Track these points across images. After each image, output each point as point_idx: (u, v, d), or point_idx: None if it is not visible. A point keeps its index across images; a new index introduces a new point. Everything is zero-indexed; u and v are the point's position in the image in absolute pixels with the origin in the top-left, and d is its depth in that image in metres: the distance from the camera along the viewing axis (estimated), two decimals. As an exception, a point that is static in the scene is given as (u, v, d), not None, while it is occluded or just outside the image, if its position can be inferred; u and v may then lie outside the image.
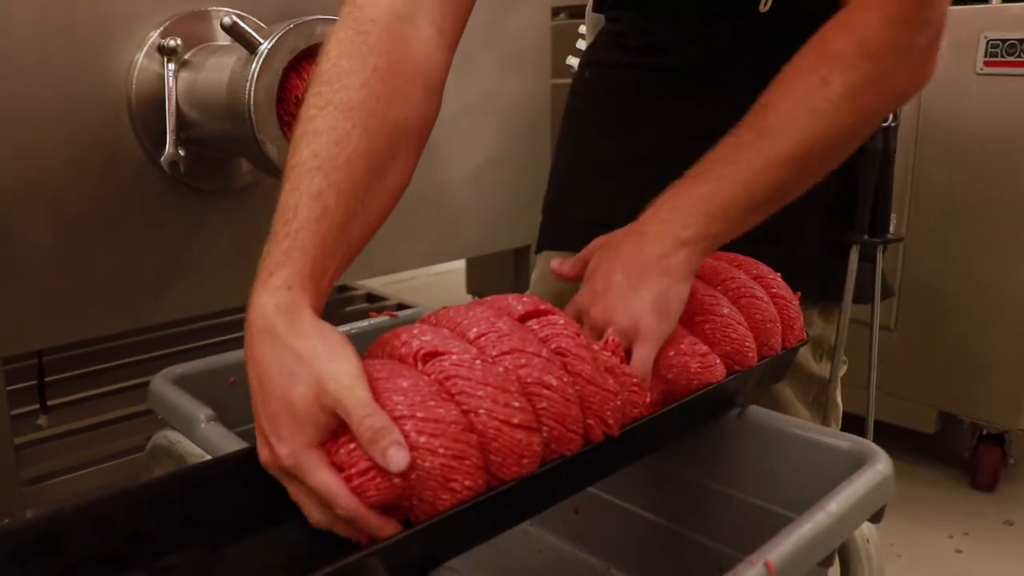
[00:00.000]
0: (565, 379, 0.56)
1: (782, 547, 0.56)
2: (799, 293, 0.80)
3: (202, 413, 0.71)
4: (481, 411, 0.52)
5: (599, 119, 1.07)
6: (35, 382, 1.48)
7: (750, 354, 0.71)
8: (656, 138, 1.01)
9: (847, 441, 0.69)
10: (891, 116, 0.94)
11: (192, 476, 0.58)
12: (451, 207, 1.61)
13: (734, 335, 0.70)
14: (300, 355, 0.53)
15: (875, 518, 0.65)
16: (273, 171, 1.11)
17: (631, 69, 1.04)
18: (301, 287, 0.56)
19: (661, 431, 0.67)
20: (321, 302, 0.58)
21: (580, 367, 0.57)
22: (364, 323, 0.95)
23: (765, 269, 0.78)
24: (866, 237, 0.97)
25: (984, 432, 2.02)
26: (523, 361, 0.55)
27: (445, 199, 1.59)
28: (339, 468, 0.51)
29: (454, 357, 0.53)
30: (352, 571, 0.50)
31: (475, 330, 0.57)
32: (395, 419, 0.50)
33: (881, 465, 0.65)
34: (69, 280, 1.20)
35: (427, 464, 0.50)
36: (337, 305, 2.15)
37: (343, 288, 2.22)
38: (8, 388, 1.22)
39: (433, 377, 0.53)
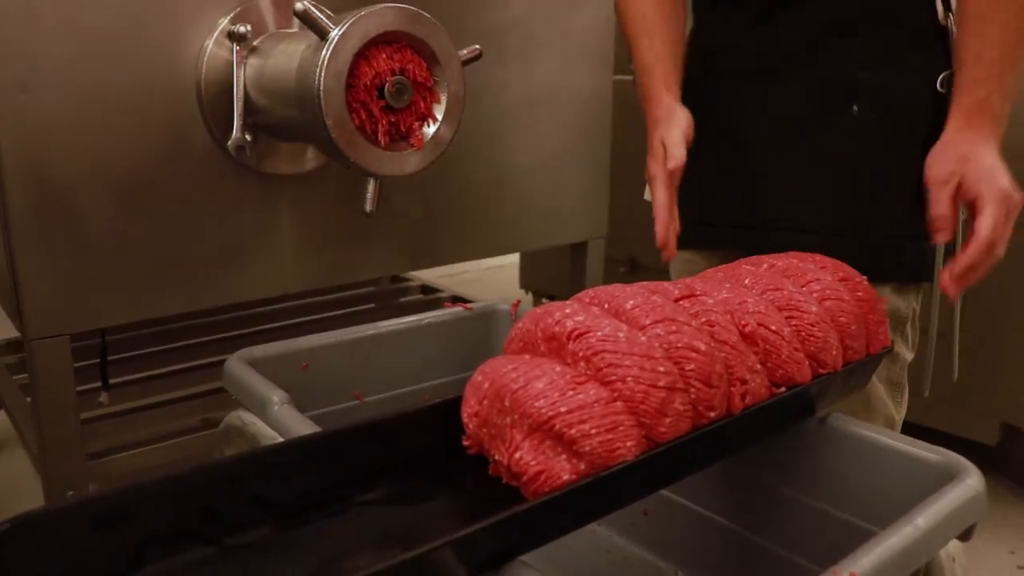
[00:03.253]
0: (712, 344, 0.62)
1: (867, 559, 0.54)
2: (884, 299, 0.78)
3: (275, 395, 0.71)
4: (628, 379, 0.57)
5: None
6: (97, 360, 1.50)
7: (834, 355, 0.69)
8: (739, 137, 1.02)
9: (936, 454, 0.66)
10: None
11: (265, 457, 0.58)
12: (510, 200, 1.59)
13: (819, 334, 0.68)
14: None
15: (964, 536, 0.62)
16: (339, 157, 1.10)
17: (707, 76, 1.05)
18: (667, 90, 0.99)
19: (737, 432, 0.65)
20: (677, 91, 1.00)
21: (726, 336, 0.63)
22: (440, 312, 0.94)
23: (851, 271, 0.76)
24: None
25: (1049, 446, 1.96)
26: (674, 328, 0.61)
27: (504, 192, 1.58)
28: (517, 475, 0.57)
29: (599, 333, 0.59)
30: (422, 562, 0.49)
31: (631, 303, 0.63)
32: (543, 422, 0.55)
33: (972, 481, 0.63)
34: (134, 261, 1.21)
35: (587, 448, 0.55)
36: (391, 296, 2.16)
37: (397, 279, 2.23)
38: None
39: (581, 355, 0.59)
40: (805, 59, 0.96)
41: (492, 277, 3.37)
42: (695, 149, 1.06)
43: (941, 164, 0.85)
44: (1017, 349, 1.86)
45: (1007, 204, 0.82)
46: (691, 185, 1.05)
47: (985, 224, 0.80)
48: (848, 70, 0.95)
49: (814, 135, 0.96)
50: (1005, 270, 1.76)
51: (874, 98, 0.93)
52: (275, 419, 0.69)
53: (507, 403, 0.57)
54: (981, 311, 1.84)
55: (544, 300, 2.67)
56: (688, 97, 1.05)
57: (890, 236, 0.95)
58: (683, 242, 1.08)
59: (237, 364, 0.77)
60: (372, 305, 2.08)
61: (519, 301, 0.96)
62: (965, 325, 1.68)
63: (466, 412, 0.62)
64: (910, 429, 1.00)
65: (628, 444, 0.56)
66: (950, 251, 1.00)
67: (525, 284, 2.73)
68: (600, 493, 0.56)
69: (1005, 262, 1.84)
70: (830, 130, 0.96)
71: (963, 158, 0.84)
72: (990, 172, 0.82)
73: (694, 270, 1.09)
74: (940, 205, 0.84)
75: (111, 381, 1.53)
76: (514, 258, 2.87)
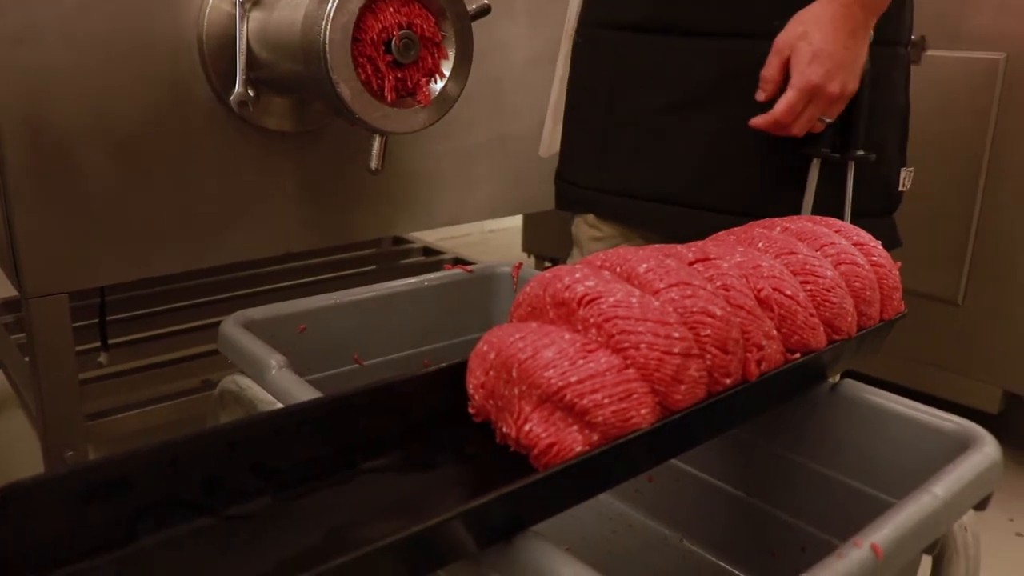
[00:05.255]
0: (728, 309, 0.59)
1: (887, 529, 0.53)
2: (899, 263, 0.76)
3: (273, 359, 0.69)
4: (642, 345, 0.55)
5: (592, 84, 1.06)
6: (97, 320, 1.49)
7: (849, 321, 0.67)
8: (647, 104, 0.98)
9: (951, 422, 0.65)
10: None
11: (265, 423, 0.56)
12: (515, 160, 1.57)
13: (834, 299, 0.66)
14: None
15: (980, 505, 0.61)
16: (345, 113, 1.08)
17: (622, 30, 1.01)
18: None
19: (752, 400, 0.63)
20: None
21: (743, 300, 0.61)
22: (439, 274, 0.92)
23: (865, 236, 0.74)
24: (828, 151, 0.91)
25: (1050, 414, 1.95)
26: (689, 292, 0.58)
27: (509, 151, 1.56)
28: (527, 448, 0.54)
29: (611, 299, 0.56)
30: (435, 533, 0.48)
31: (644, 265, 0.60)
32: (553, 393, 0.53)
33: (989, 449, 0.61)
34: (133, 218, 1.20)
35: (600, 418, 0.53)
36: (393, 257, 2.14)
37: (399, 240, 2.21)
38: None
39: (591, 321, 0.56)
40: (718, 18, 0.93)
41: (495, 239, 3.35)
42: (587, 111, 1.03)
43: (785, 33, 0.86)
44: (1020, 317, 1.85)
45: (811, 95, 0.84)
46: (585, 148, 1.04)
47: (778, 106, 0.85)
48: (762, 33, 0.89)
49: (728, 107, 0.92)
50: (1009, 238, 1.75)
51: None
52: (274, 384, 0.67)
53: (515, 374, 0.56)
54: (985, 279, 1.82)
55: (547, 263, 2.65)
56: (596, 52, 1.01)
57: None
58: (587, 206, 1.06)
59: (233, 327, 0.75)
60: (374, 267, 2.06)
61: (521, 263, 0.94)
62: (972, 291, 1.67)
63: (472, 383, 0.60)
64: (912, 396, 0.99)
65: (642, 412, 0.54)
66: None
67: (528, 247, 2.71)
68: (615, 462, 0.55)
69: (1011, 229, 1.81)
70: (743, 104, 0.90)
71: (802, 34, 0.85)
72: (811, 58, 0.83)
73: (596, 235, 1.08)
74: (768, 68, 0.87)
75: (110, 341, 1.51)
76: (517, 220, 2.85)
